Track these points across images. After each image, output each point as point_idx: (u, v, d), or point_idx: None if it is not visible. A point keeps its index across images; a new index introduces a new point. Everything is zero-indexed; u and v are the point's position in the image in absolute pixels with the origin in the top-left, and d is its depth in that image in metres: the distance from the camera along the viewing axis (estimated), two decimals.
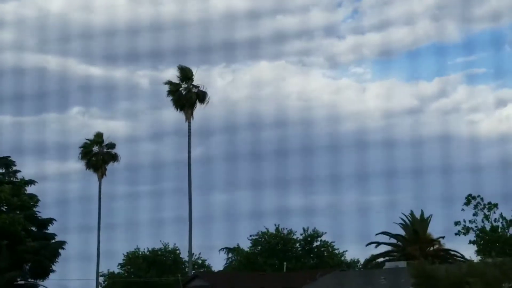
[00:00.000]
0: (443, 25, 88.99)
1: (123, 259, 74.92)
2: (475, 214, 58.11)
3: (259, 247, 70.05)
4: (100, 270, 67.66)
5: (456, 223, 58.04)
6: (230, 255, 72.09)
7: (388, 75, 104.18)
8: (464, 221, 58.04)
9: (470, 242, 57.92)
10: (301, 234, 69.82)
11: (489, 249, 55.85)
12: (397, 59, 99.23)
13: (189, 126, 64.03)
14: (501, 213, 57.95)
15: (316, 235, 69.73)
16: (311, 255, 70.19)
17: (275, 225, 69.71)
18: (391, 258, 60.22)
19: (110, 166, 65.95)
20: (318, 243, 70.16)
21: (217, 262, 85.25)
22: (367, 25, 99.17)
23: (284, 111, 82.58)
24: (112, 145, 66.33)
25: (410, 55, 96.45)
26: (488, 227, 58.06)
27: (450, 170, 60.03)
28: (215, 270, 72.96)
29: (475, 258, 56.09)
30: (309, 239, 69.71)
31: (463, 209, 57.97)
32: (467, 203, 58.06)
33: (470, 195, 57.93)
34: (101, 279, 71.21)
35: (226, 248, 71.45)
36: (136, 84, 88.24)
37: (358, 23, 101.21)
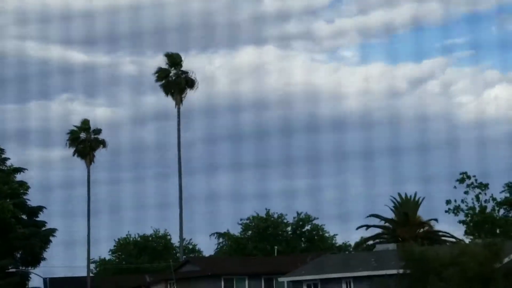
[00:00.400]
0: (430, 6, 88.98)
1: (114, 246, 74.90)
2: (466, 193, 58.38)
3: (250, 232, 70.12)
4: (91, 257, 67.71)
5: (448, 202, 58.30)
6: (220, 240, 72.13)
7: (378, 58, 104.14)
8: (455, 200, 58.34)
9: (460, 222, 58.21)
10: (294, 218, 69.97)
11: (478, 229, 56.12)
12: (385, 42, 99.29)
13: (179, 111, 64.04)
14: (492, 194, 58.27)
15: (308, 219, 69.86)
16: (302, 239, 70.33)
17: (266, 209, 69.83)
18: (381, 240, 60.39)
19: (98, 153, 65.94)
20: (309, 227, 70.33)
21: (208, 247, 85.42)
22: (353, 9, 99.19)
23: (265, 93, 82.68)
24: (98, 131, 66.18)
25: (399, 37, 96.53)
26: (477, 208, 58.33)
27: (438, 150, 60.33)
28: (206, 255, 73.02)
29: (465, 239, 56.44)
30: (301, 223, 69.85)
31: (455, 187, 58.23)
32: (461, 181, 58.24)
33: (465, 173, 58.13)
34: (92, 265, 71.22)
35: (217, 233, 71.50)
36: (122, 71, 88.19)
37: (346, 7, 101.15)
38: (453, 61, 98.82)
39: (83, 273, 65.90)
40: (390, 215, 63.45)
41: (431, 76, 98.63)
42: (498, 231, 56.23)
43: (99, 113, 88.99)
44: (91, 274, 67.04)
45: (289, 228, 70.43)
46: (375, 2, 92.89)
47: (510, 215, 56.65)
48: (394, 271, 35.49)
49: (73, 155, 65.57)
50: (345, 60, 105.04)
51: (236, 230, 70.54)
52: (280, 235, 69.44)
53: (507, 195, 57.09)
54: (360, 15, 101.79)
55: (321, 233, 70.12)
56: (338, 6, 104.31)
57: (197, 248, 77.59)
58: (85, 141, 65.65)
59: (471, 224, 57.56)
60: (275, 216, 70.07)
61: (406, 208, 62.57)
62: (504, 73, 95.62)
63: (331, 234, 70.81)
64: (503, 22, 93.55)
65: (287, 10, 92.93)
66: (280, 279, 46.37)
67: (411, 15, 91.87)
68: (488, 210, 57.97)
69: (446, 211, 58.37)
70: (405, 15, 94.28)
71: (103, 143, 66.04)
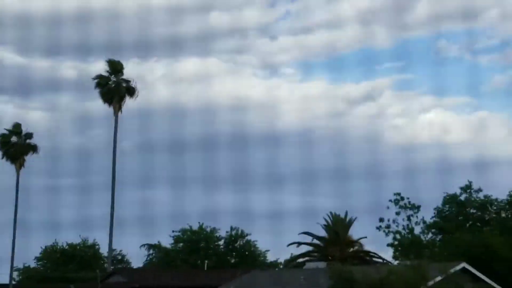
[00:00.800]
0: (373, 30, 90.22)
1: (40, 253, 73.31)
2: (398, 213, 59.06)
3: (181, 244, 69.46)
4: (15, 265, 66.10)
5: (381, 220, 58.89)
6: (151, 251, 71.29)
7: (316, 77, 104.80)
8: (388, 220, 58.96)
9: (388, 245, 58.82)
10: (227, 232, 69.61)
11: (406, 252, 56.76)
12: (327, 61, 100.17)
13: (116, 120, 63.16)
14: (423, 217, 59.10)
15: (241, 235, 69.55)
16: (234, 254, 69.98)
17: (199, 222, 69.31)
18: (311, 258, 60.48)
19: (29, 158, 64.62)
20: (241, 242, 69.99)
21: (138, 258, 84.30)
22: (299, 26, 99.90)
23: (213, 107, 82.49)
24: (29, 135, 64.87)
25: (341, 57, 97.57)
26: (406, 230, 59.01)
27: (375, 174, 60.97)
28: (135, 267, 72.02)
29: (393, 261, 57.01)
30: (233, 238, 69.49)
31: (388, 207, 58.91)
32: (396, 202, 58.97)
33: (399, 194, 58.88)
34: (15, 273, 69.52)
35: (147, 244, 70.65)
36: (62, 76, 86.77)
37: (291, 24, 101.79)
38: (390, 84, 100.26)
39: (5, 280, 64.28)
40: (323, 233, 63.74)
41: (369, 97, 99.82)
42: (425, 254, 56.96)
43: (34, 117, 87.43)
44: (13, 282, 65.41)
45: (221, 243, 70.01)
46: (320, 22, 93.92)
47: (438, 238, 57.50)
48: None
49: (2, 158, 64.19)
50: (286, 77, 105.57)
51: (168, 242, 69.93)
52: (211, 249, 68.97)
53: (437, 219, 58.03)
54: (304, 34, 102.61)
55: (252, 249, 69.89)
56: (283, 24, 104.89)
57: (126, 259, 76.50)
58: (16, 145, 64.29)
59: (399, 247, 58.23)
60: (208, 229, 69.61)
61: (337, 227, 62.89)
62: (440, 98, 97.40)
63: (263, 250, 70.72)
64: (440, 49, 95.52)
65: (232, 25, 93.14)
66: None
67: (353, 36, 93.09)
68: (417, 232, 58.80)
69: (377, 228, 58.96)
70: (348, 36, 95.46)
71: (34, 148, 64.75)
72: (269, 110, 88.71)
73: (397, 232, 58.83)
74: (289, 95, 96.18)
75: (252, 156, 64.12)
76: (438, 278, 33.73)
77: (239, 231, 69.44)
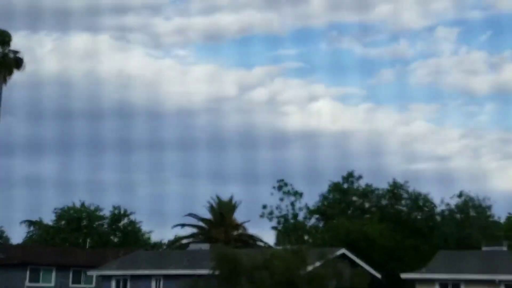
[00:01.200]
0: (268, 17, 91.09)
1: None
2: (281, 199, 60.12)
3: (63, 222, 68.36)
4: None
5: (264, 206, 59.79)
6: (31, 228, 69.82)
7: (212, 60, 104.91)
8: (271, 206, 59.94)
9: (272, 228, 59.89)
10: (110, 211, 68.91)
11: (288, 235, 57.95)
12: (221, 45, 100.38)
13: (0, 91, 61.22)
14: (306, 203, 60.37)
15: (125, 214, 69.02)
16: (116, 233, 69.44)
17: (80, 200, 68.32)
18: (195, 240, 60.84)
19: None
20: (125, 222, 69.52)
21: (19, 235, 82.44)
22: (194, 8, 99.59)
23: (101, 83, 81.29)
24: None
25: (236, 42, 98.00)
26: (290, 215, 60.19)
27: (258, 158, 61.73)
28: (14, 243, 70.37)
29: (275, 244, 58.05)
30: (116, 217, 68.90)
31: (272, 194, 59.85)
32: (279, 188, 59.94)
33: (282, 180, 59.88)
34: None
35: (28, 221, 69.14)
36: None
37: (186, 6, 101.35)
38: (283, 71, 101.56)
39: None
40: (208, 215, 64.15)
41: (260, 83, 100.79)
42: (307, 238, 58.35)
43: None
44: None
45: (104, 222, 69.31)
46: (220, 4, 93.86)
47: (320, 224, 58.87)
48: (205, 271, 35.75)
49: None
50: (179, 59, 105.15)
51: (50, 219, 68.68)
52: (94, 228, 68.21)
53: (320, 206, 59.34)
54: (199, 16, 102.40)
55: (136, 229, 69.55)
56: (179, 5, 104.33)
57: (4, 235, 74.61)
58: None
59: (282, 231, 59.36)
60: (91, 208, 68.79)
61: (222, 209, 63.48)
62: (329, 88, 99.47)
63: (147, 230, 70.55)
64: (332, 39, 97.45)
65: (125, 2, 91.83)
66: (89, 273, 45.49)
67: (249, 21, 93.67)
68: (300, 218, 60.04)
69: (261, 216, 59.91)
70: (244, 21, 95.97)
71: None
72: (156, 89, 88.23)
73: (282, 216, 59.95)
74: (178, 76, 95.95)
75: (135, 130, 63.54)
76: (318, 263, 34.60)
77: (122, 210, 68.91)
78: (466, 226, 53.83)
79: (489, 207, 57.44)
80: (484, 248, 43.02)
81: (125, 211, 68.85)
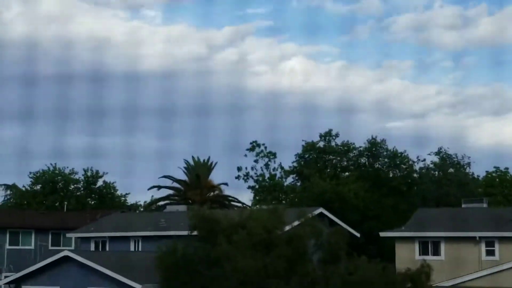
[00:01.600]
0: None
1: None
2: (256, 161, 59.92)
3: (39, 186, 67.72)
4: None
5: (239, 169, 59.56)
6: (8, 192, 69.14)
7: (179, 20, 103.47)
8: (246, 168, 59.71)
9: (249, 187, 59.75)
10: (83, 175, 68.19)
11: (265, 196, 57.84)
12: (189, 5, 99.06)
13: None
14: (280, 163, 60.14)
15: (97, 175, 68.24)
16: (93, 196, 68.87)
17: (51, 164, 67.36)
18: (171, 202, 60.56)
19: None
20: (101, 184, 68.88)
21: None
22: None
23: (72, 47, 79.88)
24: None
25: (204, 1, 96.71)
26: (267, 175, 60.03)
27: (237, 120, 61.12)
28: None
29: (252, 204, 57.95)
30: (90, 179, 68.19)
31: (246, 155, 59.60)
32: (252, 149, 59.65)
33: (255, 141, 59.57)
34: None
35: (4, 184, 68.43)
36: None
37: None
38: (253, 31, 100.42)
39: None
40: (184, 177, 63.81)
41: (230, 43, 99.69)
42: (284, 198, 58.26)
43: None
44: None
45: (80, 184, 68.66)
46: None
47: (299, 184, 58.64)
48: (183, 232, 35.46)
49: None
50: (148, 19, 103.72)
51: (25, 183, 67.99)
52: (70, 191, 67.62)
53: (296, 165, 59.11)
54: None
55: (112, 192, 68.98)
56: None
57: None
58: None
59: (260, 190, 59.22)
60: (66, 171, 68.12)
61: (199, 171, 63.17)
62: (301, 46, 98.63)
63: (123, 193, 70.01)
64: None
65: None
66: (68, 235, 45.34)
67: None
68: (277, 178, 59.87)
69: (236, 177, 59.69)
70: None
71: None
72: (125, 51, 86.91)
73: (259, 176, 59.76)
74: (151, 37, 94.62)
75: (109, 96, 62.43)
76: (296, 223, 34.42)
77: (94, 172, 68.00)
78: (444, 184, 53.84)
79: (468, 164, 57.59)
80: (464, 205, 42.98)
81: (97, 172, 67.82)
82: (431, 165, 56.91)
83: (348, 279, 29.33)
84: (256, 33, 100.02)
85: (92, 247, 42.29)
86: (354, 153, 58.12)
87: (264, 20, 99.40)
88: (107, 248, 41.62)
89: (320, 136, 58.49)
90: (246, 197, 63.52)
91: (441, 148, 57.15)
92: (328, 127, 58.54)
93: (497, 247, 37.20)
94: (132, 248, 40.82)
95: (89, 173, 67.61)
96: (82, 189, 68.23)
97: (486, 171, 59.71)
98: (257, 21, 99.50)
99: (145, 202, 66.98)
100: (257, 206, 54.68)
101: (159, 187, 63.03)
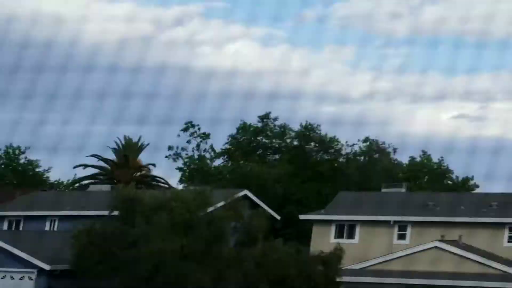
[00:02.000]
0: None
1: None
2: (188, 142, 59.54)
3: None
4: None
5: (170, 148, 59.13)
6: None
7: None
8: (177, 147, 59.28)
9: (177, 168, 59.36)
10: (4, 150, 66.26)
11: (193, 177, 57.61)
12: None
13: None
14: (212, 144, 59.89)
15: (19, 150, 66.21)
16: (13, 173, 66.91)
17: None
18: (96, 181, 59.66)
19: None
20: (23, 161, 67.04)
21: None
22: None
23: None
24: None
25: None
26: (196, 156, 59.76)
27: (171, 98, 60.36)
28: None
29: (179, 185, 57.66)
30: (12, 157, 66.33)
31: (179, 135, 59.12)
32: (185, 129, 59.24)
33: (190, 122, 59.13)
34: None
35: None
36: None
37: None
38: (202, 11, 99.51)
39: None
40: (112, 156, 62.89)
41: (178, 23, 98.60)
42: (210, 180, 58.06)
43: None
44: None
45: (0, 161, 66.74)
46: None
47: (229, 165, 58.48)
48: (103, 212, 34.99)
49: None
50: None
51: None
52: None
53: (228, 147, 58.94)
54: None
55: (35, 168, 67.23)
56: None
57: None
58: None
59: (187, 172, 58.89)
60: None
61: (128, 151, 62.39)
62: (249, 28, 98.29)
63: (45, 168, 68.01)
64: None
65: None
66: None
67: None
68: (208, 159, 59.65)
69: (166, 157, 59.18)
70: None
71: None
72: (69, 28, 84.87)
73: (189, 157, 59.44)
74: (93, 14, 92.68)
75: (51, 72, 60.80)
76: (220, 204, 34.43)
77: (16, 148, 66.04)
78: (369, 169, 54.49)
79: (394, 150, 58.39)
80: (383, 190, 43.48)
81: (19, 147, 65.69)
82: (357, 151, 57.53)
83: (261, 260, 29.47)
84: (206, 13, 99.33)
85: (5, 227, 41.31)
86: (289, 136, 58.34)
87: (215, 1, 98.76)
88: (21, 228, 40.76)
89: (258, 117, 58.47)
90: (176, 179, 62.99)
91: (369, 136, 57.86)
92: (267, 110, 58.57)
93: (408, 231, 37.76)
94: (47, 228, 40.05)
95: (10, 150, 65.75)
96: (3, 165, 66.25)
97: (410, 156, 60.55)
98: (207, 1, 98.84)
99: (68, 180, 65.73)
100: (183, 187, 54.45)
101: (85, 166, 61.87)
